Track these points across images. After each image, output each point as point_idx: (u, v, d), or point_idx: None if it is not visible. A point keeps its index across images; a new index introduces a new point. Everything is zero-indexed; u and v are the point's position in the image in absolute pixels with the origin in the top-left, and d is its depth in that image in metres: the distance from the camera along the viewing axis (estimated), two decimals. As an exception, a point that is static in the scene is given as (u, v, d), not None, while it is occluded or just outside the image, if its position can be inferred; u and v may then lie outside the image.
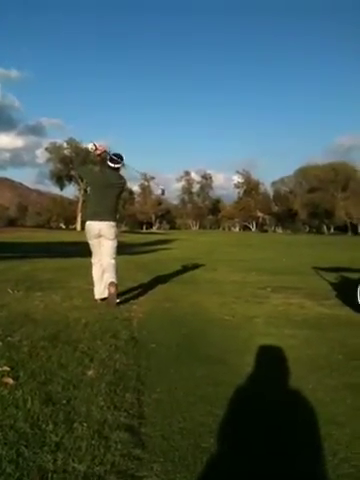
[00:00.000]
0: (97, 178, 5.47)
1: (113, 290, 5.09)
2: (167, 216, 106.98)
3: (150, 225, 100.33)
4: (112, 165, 5.37)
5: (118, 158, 5.40)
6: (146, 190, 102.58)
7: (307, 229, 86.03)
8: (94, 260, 5.45)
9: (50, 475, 1.67)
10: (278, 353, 3.46)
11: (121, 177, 5.49)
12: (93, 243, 5.39)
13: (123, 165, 5.46)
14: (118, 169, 5.43)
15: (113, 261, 5.31)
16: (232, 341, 3.86)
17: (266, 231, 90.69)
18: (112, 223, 5.29)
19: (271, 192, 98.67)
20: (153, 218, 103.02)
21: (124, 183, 5.54)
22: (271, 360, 3.44)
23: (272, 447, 1.99)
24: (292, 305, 5.71)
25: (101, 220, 5.24)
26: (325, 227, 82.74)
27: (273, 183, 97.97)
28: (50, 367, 2.89)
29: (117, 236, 5.40)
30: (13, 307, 4.85)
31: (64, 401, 2.36)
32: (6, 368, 2.79)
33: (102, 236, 5.29)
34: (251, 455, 1.92)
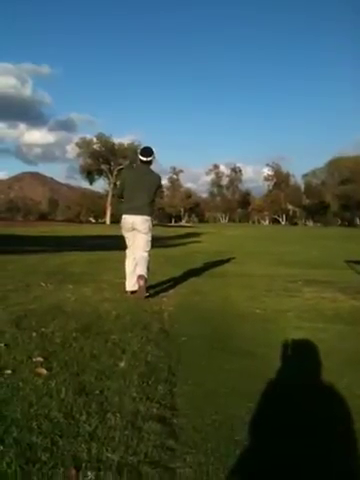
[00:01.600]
0: (130, 174, 5.59)
1: (142, 283, 5.12)
2: (196, 209, 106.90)
3: (179, 218, 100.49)
4: (144, 159, 5.41)
5: (149, 151, 5.45)
6: (175, 184, 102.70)
7: (339, 222, 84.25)
8: (128, 253, 5.51)
9: (84, 464, 1.69)
10: (310, 347, 3.41)
11: (153, 172, 5.52)
12: (127, 236, 5.46)
13: (154, 158, 5.49)
14: (150, 162, 5.46)
15: (145, 254, 5.34)
16: (263, 334, 3.82)
17: (296, 224, 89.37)
18: (146, 217, 5.32)
19: (302, 184, 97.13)
20: (182, 211, 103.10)
21: (159, 178, 5.57)
22: (303, 354, 3.39)
23: (307, 441, 1.96)
24: (324, 299, 5.61)
25: (135, 214, 5.29)
26: (358, 220, 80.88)
27: (304, 175, 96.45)
28: (82, 358, 2.93)
29: (151, 230, 5.41)
30: (45, 300, 4.94)
31: (97, 392, 2.38)
32: (40, 359, 2.85)
33: (135, 229, 5.34)
34: (285, 449, 1.90)
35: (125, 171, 5.97)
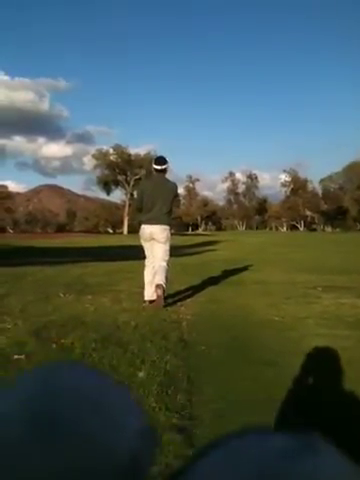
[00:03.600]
0: (147, 185, 5.63)
1: (160, 292, 5.14)
2: (213, 217, 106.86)
3: (196, 227, 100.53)
4: (158, 167, 5.47)
5: (162, 160, 5.53)
6: (191, 192, 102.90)
7: (358, 227, 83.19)
8: (147, 262, 5.53)
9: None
10: (331, 354, 3.36)
11: (169, 181, 5.58)
12: (146, 246, 5.49)
13: (168, 166, 5.57)
14: (165, 171, 5.54)
15: (164, 264, 5.36)
16: (283, 342, 3.78)
17: (315, 230, 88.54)
18: (164, 226, 5.37)
19: (319, 190, 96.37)
20: (199, 220, 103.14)
21: (175, 187, 5.62)
22: (324, 361, 3.34)
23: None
24: (344, 305, 5.53)
25: (153, 223, 5.34)
26: (377, 224, 79.72)
27: (321, 180, 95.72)
28: (102, 368, 2.94)
29: (169, 239, 5.44)
30: (65, 310, 4.98)
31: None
32: (60, 369, 2.87)
33: (154, 239, 5.37)
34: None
35: (142, 182, 6.05)
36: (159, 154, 5.82)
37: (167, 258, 5.42)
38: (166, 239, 5.39)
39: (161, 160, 5.56)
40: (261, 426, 0.29)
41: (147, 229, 5.39)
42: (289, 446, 0.25)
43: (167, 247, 5.42)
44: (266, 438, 0.27)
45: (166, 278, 5.30)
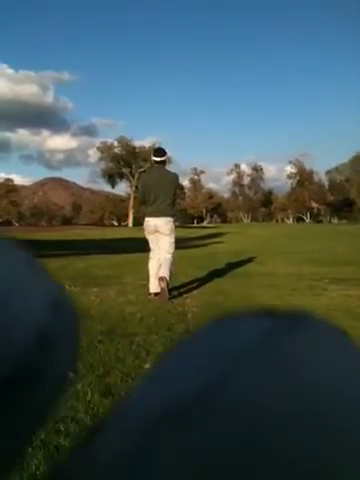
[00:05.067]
0: (148, 178, 5.63)
1: (163, 285, 5.14)
2: (218, 210, 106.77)
3: (201, 219, 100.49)
4: (158, 159, 5.47)
5: (162, 151, 5.54)
6: (197, 184, 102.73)
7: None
8: (152, 255, 5.53)
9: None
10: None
11: (170, 171, 5.59)
12: (151, 238, 5.49)
13: (167, 158, 5.62)
14: (164, 162, 5.55)
15: (169, 256, 5.36)
16: (289, 334, 3.77)
17: (321, 222, 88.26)
18: (168, 219, 5.37)
19: (326, 181, 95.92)
20: (204, 212, 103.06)
21: (177, 177, 5.60)
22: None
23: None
24: (351, 297, 5.50)
25: (157, 216, 5.33)
26: (384, 216, 79.34)
27: (327, 172, 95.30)
28: (108, 360, 2.95)
29: (174, 231, 5.45)
30: (71, 302, 4.98)
31: (123, 393, 2.39)
32: (66, 361, 2.87)
33: (158, 231, 5.37)
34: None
35: (143, 176, 6.07)
36: (164, 146, 5.80)
37: (172, 250, 5.42)
38: (170, 231, 5.39)
39: (160, 151, 5.56)
40: (242, 312, 0.26)
41: (151, 222, 5.38)
42: (275, 324, 0.23)
43: (172, 239, 5.42)
44: (247, 320, 0.25)
45: (170, 270, 5.30)
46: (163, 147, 5.67)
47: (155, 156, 5.52)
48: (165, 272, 5.22)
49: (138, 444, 0.18)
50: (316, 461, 0.17)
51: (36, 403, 0.23)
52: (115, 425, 0.21)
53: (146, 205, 5.45)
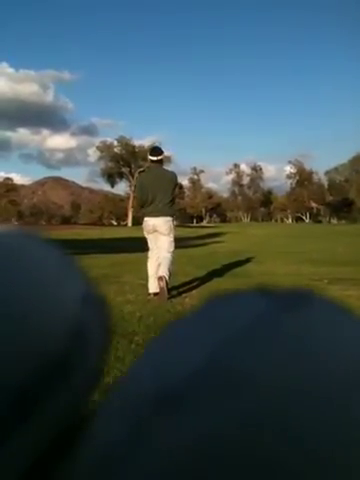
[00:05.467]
0: (146, 178, 5.59)
1: (162, 284, 5.12)
2: (218, 209, 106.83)
3: (200, 219, 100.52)
4: (154, 158, 5.41)
5: (158, 150, 5.49)
6: (196, 184, 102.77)
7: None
8: (150, 254, 5.50)
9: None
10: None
11: (168, 170, 5.56)
12: (149, 238, 5.46)
13: (164, 156, 5.54)
14: (161, 162, 5.48)
15: (168, 255, 5.34)
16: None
17: (320, 222, 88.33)
18: (167, 218, 5.33)
19: (325, 182, 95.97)
20: (203, 212, 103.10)
21: (175, 176, 5.56)
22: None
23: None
24: (350, 297, 5.49)
25: (156, 216, 5.31)
26: (383, 216, 79.41)
27: (327, 172, 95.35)
28: (107, 360, 2.92)
29: (173, 230, 5.42)
30: (70, 302, 4.97)
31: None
32: (64, 361, 2.85)
33: (157, 231, 5.35)
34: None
35: (140, 176, 6.04)
36: (164, 145, 5.74)
37: (172, 249, 5.39)
38: (169, 230, 5.35)
39: (156, 150, 5.51)
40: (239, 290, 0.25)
41: (150, 222, 5.36)
42: (275, 302, 0.22)
43: (171, 238, 5.39)
44: (245, 299, 0.24)
45: (169, 270, 5.27)
46: (160, 146, 5.66)
47: (151, 155, 5.46)
48: (164, 272, 5.20)
49: (132, 429, 0.18)
50: (317, 441, 0.16)
51: (71, 395, 0.22)
52: (109, 410, 0.21)
53: (145, 206, 5.43)
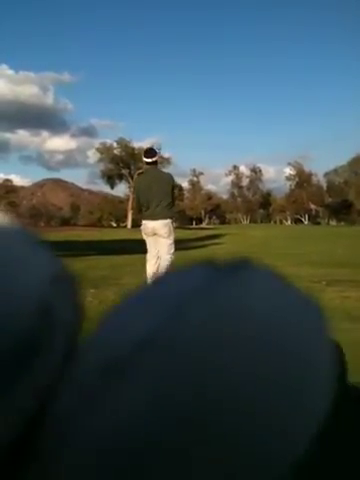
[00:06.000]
0: (142, 181, 5.55)
1: None
2: (217, 211, 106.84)
3: (200, 220, 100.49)
4: (149, 160, 5.35)
5: (153, 152, 5.43)
6: (195, 186, 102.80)
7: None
8: (149, 256, 5.50)
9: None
10: (338, 348, 3.33)
11: (163, 172, 5.54)
12: (149, 240, 5.45)
13: (159, 157, 5.55)
14: (156, 163, 5.43)
15: (168, 257, 5.33)
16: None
17: (319, 223, 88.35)
18: (165, 221, 5.29)
19: (324, 183, 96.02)
20: (202, 213, 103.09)
21: (171, 177, 5.51)
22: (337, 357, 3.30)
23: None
24: (350, 298, 5.49)
25: (155, 219, 5.27)
26: (382, 217, 79.43)
27: (326, 174, 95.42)
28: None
29: (172, 233, 5.38)
30: (69, 304, 4.96)
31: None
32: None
33: (156, 234, 5.33)
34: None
35: (137, 180, 6.00)
36: (163, 147, 5.66)
37: (172, 251, 5.38)
38: (169, 233, 5.33)
39: (150, 152, 5.44)
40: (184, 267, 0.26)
41: (149, 224, 5.33)
42: (216, 271, 0.23)
43: (170, 241, 5.36)
44: (190, 271, 0.25)
45: None
46: (160, 148, 5.69)
47: (146, 157, 5.39)
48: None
49: (81, 397, 0.19)
50: (259, 400, 0.18)
51: (41, 371, 0.22)
52: (73, 370, 0.21)
53: (142, 209, 5.40)
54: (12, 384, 0.20)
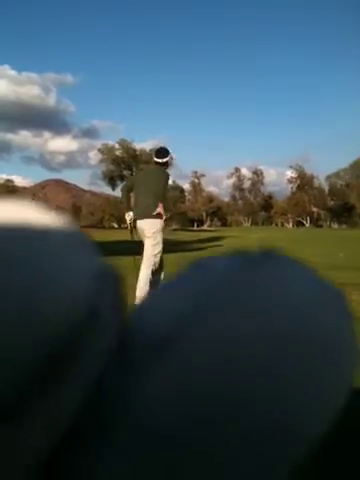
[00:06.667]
0: (136, 177, 5.33)
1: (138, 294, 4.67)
2: (218, 213, 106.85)
3: (201, 223, 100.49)
4: (158, 160, 4.98)
5: (162, 152, 5.05)
6: (197, 188, 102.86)
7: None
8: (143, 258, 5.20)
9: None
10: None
11: (162, 171, 5.01)
12: (144, 242, 5.07)
13: (171, 158, 5.12)
14: (165, 164, 5.04)
15: (149, 261, 4.86)
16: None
17: (321, 226, 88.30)
18: (151, 220, 4.82)
19: (326, 186, 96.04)
20: (204, 215, 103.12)
21: (165, 176, 5.01)
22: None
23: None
24: (352, 302, 5.43)
25: (142, 218, 4.90)
26: (384, 221, 79.38)
27: (327, 177, 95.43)
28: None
29: (159, 232, 4.86)
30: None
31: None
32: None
33: (144, 234, 4.94)
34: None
35: (133, 175, 5.72)
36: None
37: (155, 253, 4.86)
38: (153, 233, 4.81)
39: (161, 152, 5.06)
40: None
41: (138, 224, 4.96)
42: (245, 261, 0.24)
43: (154, 241, 4.82)
44: (221, 260, 0.26)
45: (148, 277, 4.79)
46: (165, 147, 5.20)
47: (157, 157, 5.00)
48: (141, 290, 4.68)
49: (124, 373, 0.20)
50: (291, 383, 0.19)
51: (84, 371, 0.22)
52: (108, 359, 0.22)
53: (129, 207, 5.10)
54: (62, 379, 0.20)
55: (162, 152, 5.08)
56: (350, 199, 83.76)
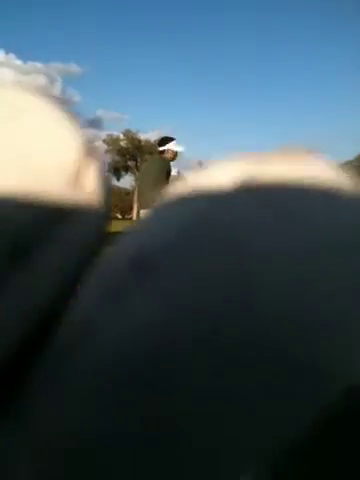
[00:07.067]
0: (142, 168, 5.40)
1: None
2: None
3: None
4: (158, 149, 5.03)
5: (162, 140, 5.03)
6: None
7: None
8: None
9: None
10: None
11: (160, 160, 5.01)
12: None
13: (172, 152, 5.01)
14: (162, 153, 4.98)
15: None
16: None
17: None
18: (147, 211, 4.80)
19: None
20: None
21: (158, 164, 4.96)
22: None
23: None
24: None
25: (144, 208, 4.91)
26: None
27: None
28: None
29: None
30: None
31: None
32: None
33: None
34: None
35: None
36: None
37: None
38: None
39: (159, 141, 5.05)
40: None
41: (141, 214, 4.96)
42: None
43: None
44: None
45: None
46: (169, 136, 5.17)
47: (158, 145, 5.05)
48: None
49: (110, 293, 0.17)
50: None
51: (52, 260, 0.19)
52: (90, 281, 0.19)
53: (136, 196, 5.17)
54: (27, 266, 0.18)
55: (161, 140, 5.07)
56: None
